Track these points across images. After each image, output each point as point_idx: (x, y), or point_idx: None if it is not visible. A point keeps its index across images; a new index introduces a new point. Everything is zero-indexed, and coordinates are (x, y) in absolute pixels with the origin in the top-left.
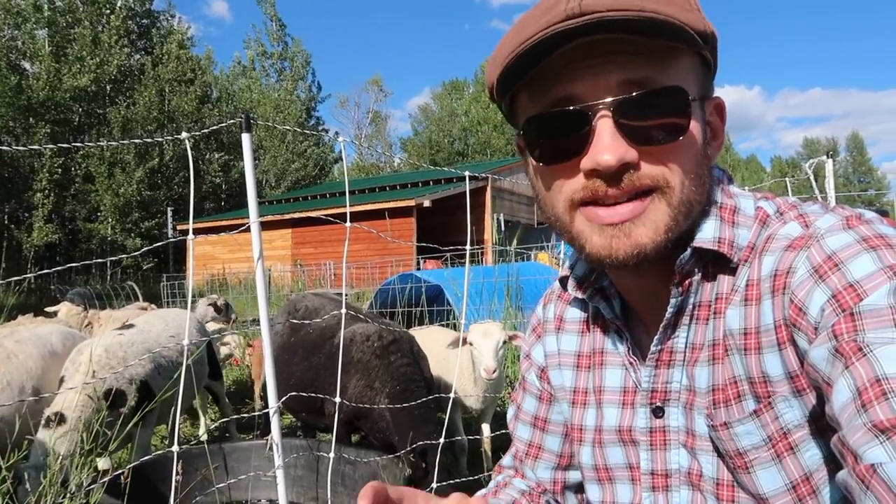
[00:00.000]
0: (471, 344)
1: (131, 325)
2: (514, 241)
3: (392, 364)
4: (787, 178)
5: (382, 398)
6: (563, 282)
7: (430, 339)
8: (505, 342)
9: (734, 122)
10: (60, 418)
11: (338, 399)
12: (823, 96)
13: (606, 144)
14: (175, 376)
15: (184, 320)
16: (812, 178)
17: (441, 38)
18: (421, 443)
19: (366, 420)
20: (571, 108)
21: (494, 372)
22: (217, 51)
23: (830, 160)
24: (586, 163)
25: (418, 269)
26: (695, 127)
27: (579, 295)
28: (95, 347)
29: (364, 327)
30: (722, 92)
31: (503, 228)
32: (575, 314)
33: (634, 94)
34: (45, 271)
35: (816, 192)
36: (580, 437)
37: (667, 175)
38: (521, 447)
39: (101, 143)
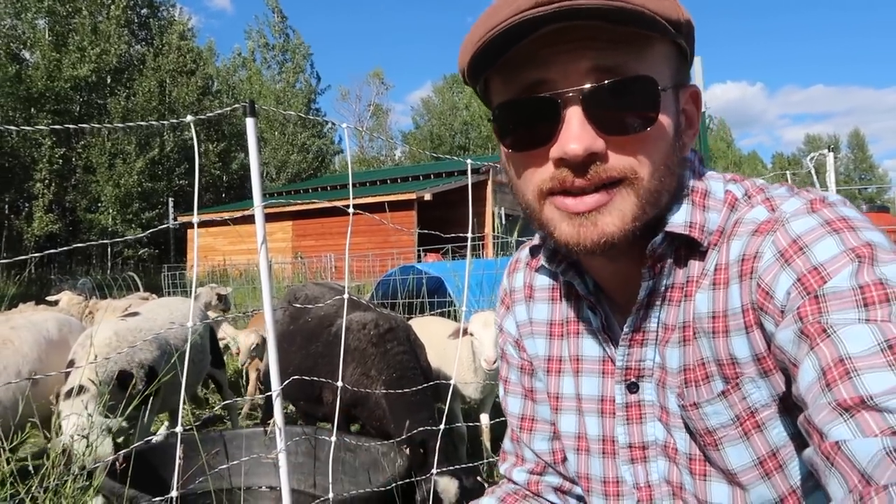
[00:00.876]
0: (471, 334)
1: (136, 313)
2: (515, 234)
3: (388, 352)
4: (787, 173)
5: (379, 386)
6: (534, 251)
7: (428, 328)
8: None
9: (736, 118)
10: (80, 389)
11: (339, 383)
12: (826, 93)
13: (574, 134)
14: (177, 358)
15: (187, 309)
16: (813, 172)
17: (443, 31)
18: (420, 429)
19: (362, 409)
20: (541, 95)
21: (495, 362)
22: (218, 42)
23: (831, 154)
24: (555, 151)
25: (419, 261)
26: (665, 117)
27: (552, 268)
28: (105, 331)
29: (361, 315)
30: (724, 88)
31: (504, 222)
32: (544, 282)
33: (605, 83)
34: (43, 253)
35: (818, 186)
36: (557, 405)
37: (634, 166)
38: (514, 423)
39: (101, 126)
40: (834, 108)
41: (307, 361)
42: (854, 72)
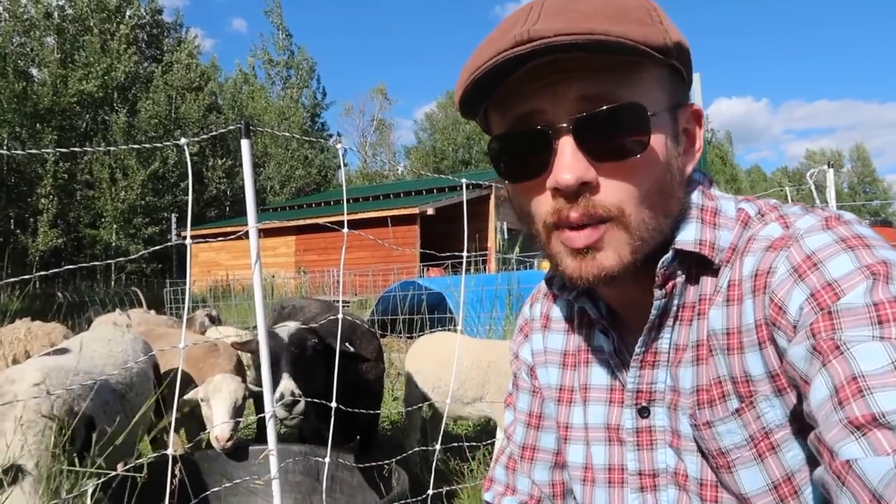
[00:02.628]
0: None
1: (64, 350)
2: (516, 249)
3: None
4: (785, 189)
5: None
6: (550, 282)
7: (446, 345)
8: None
9: (741, 133)
10: (17, 472)
11: (333, 404)
12: (829, 108)
13: (567, 164)
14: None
15: (128, 344)
16: (813, 187)
17: (453, 48)
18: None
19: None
20: (534, 127)
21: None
22: (231, 62)
23: (831, 170)
24: (549, 182)
25: (422, 276)
26: (658, 142)
27: (565, 296)
28: (31, 374)
29: (330, 318)
30: (729, 103)
31: (506, 237)
32: (561, 313)
33: (593, 111)
34: (49, 272)
35: (818, 202)
36: (567, 434)
37: (621, 203)
38: (515, 451)
39: (101, 149)
40: (838, 123)
41: None
42: (858, 87)
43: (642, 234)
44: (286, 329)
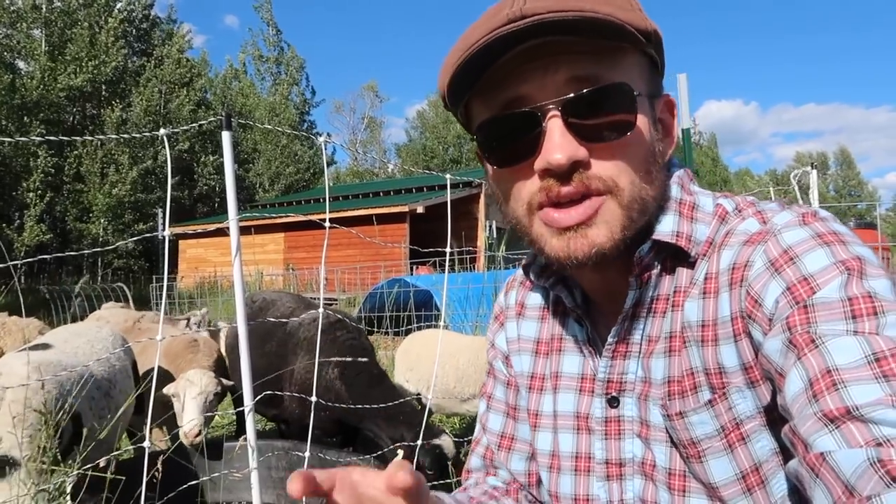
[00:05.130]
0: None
1: (47, 345)
2: (503, 246)
3: (337, 339)
4: (770, 191)
5: (330, 369)
6: (526, 269)
7: (432, 340)
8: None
9: (730, 135)
10: (7, 464)
11: (314, 398)
12: (817, 112)
13: (557, 144)
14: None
15: (106, 338)
16: (797, 189)
17: (443, 46)
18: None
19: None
20: (521, 110)
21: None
22: (222, 59)
23: (815, 171)
24: (539, 163)
25: (410, 274)
26: (642, 123)
27: (541, 283)
28: (18, 367)
29: (312, 312)
30: (719, 105)
31: (495, 235)
32: (536, 300)
33: (582, 91)
34: (31, 259)
35: (800, 202)
36: (535, 422)
37: (615, 177)
38: (492, 440)
39: (88, 138)
40: (824, 127)
41: (262, 360)
42: (845, 91)
43: (633, 211)
44: None
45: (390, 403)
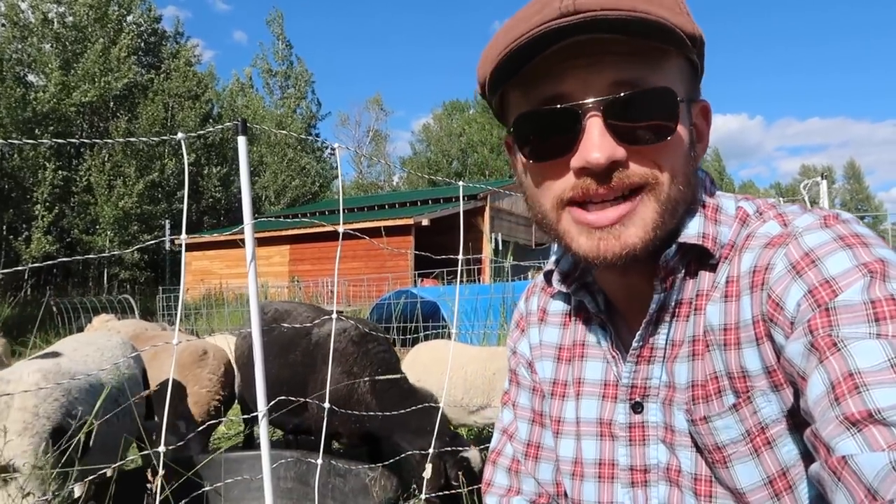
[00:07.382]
0: None
1: (57, 353)
2: (509, 258)
3: (370, 351)
4: (780, 199)
5: (363, 382)
6: (548, 276)
7: (440, 351)
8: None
9: (734, 149)
10: (13, 471)
11: (326, 405)
12: (821, 126)
13: (595, 143)
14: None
15: (118, 349)
16: (806, 199)
17: (448, 61)
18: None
19: (344, 423)
20: (562, 106)
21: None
22: (230, 73)
23: (825, 181)
24: (576, 161)
25: (415, 286)
26: (682, 128)
27: (564, 289)
28: (29, 374)
29: (340, 324)
30: (724, 119)
31: (500, 247)
32: (558, 307)
33: (624, 94)
34: (33, 266)
35: None
36: (558, 428)
37: (655, 173)
38: (518, 450)
39: (98, 141)
40: (829, 141)
41: (285, 371)
42: (850, 105)
43: (667, 209)
44: None
45: (420, 418)
